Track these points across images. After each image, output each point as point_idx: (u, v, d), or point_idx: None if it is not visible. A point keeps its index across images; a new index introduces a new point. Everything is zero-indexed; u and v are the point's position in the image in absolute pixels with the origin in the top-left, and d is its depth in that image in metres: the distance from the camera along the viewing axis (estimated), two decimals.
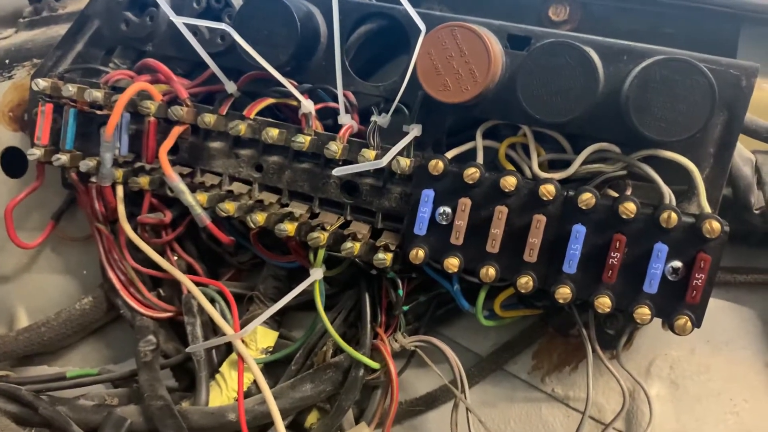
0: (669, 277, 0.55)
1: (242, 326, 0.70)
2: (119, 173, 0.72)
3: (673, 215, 0.54)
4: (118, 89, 0.71)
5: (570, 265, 0.57)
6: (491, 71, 0.57)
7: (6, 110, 0.86)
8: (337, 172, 0.63)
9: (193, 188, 0.69)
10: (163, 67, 0.71)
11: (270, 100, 0.68)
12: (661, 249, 0.55)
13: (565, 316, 0.66)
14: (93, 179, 0.74)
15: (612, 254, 0.56)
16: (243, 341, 0.71)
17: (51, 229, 0.85)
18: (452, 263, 0.60)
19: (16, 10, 0.91)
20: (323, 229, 0.65)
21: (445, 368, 0.69)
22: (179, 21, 0.66)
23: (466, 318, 0.73)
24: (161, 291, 0.79)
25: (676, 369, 0.69)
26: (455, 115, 0.64)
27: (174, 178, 0.67)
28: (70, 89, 0.72)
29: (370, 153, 0.63)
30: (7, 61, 0.86)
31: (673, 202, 0.57)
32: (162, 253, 0.75)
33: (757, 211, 0.63)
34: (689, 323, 0.55)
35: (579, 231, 0.57)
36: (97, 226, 0.77)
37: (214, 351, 0.76)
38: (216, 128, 0.68)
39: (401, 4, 0.61)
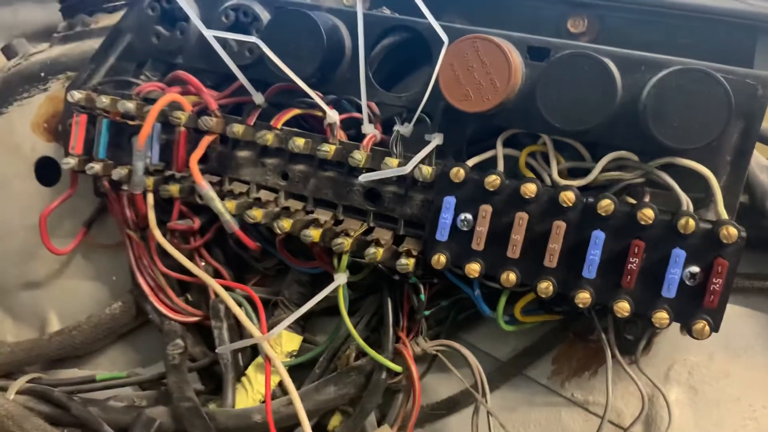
0: (687, 282, 0.56)
1: (269, 329, 0.71)
2: (150, 181, 0.74)
3: (691, 221, 0.55)
4: (149, 100, 0.73)
5: (589, 271, 0.58)
6: (512, 82, 0.58)
7: (41, 121, 0.88)
8: (362, 178, 0.64)
9: (222, 196, 0.71)
10: (193, 79, 0.73)
11: (296, 111, 0.69)
12: (679, 254, 0.56)
13: (585, 321, 0.66)
14: (124, 187, 0.76)
15: (631, 259, 0.57)
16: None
17: (82, 236, 0.87)
18: (473, 268, 0.61)
19: (51, 24, 0.94)
20: (347, 235, 0.66)
21: (466, 373, 0.70)
22: (210, 34, 0.68)
23: (486, 323, 0.74)
24: (189, 296, 0.81)
25: (694, 374, 0.69)
26: (476, 124, 0.65)
27: (204, 185, 0.69)
28: (103, 100, 0.74)
29: (393, 161, 0.64)
30: (42, 74, 0.88)
31: (691, 209, 0.58)
32: (190, 259, 0.77)
33: None
34: (707, 327, 0.56)
35: (598, 237, 0.57)
36: (127, 232, 0.79)
37: (240, 355, 0.77)
38: (244, 138, 0.70)
39: (424, 17, 0.62)
